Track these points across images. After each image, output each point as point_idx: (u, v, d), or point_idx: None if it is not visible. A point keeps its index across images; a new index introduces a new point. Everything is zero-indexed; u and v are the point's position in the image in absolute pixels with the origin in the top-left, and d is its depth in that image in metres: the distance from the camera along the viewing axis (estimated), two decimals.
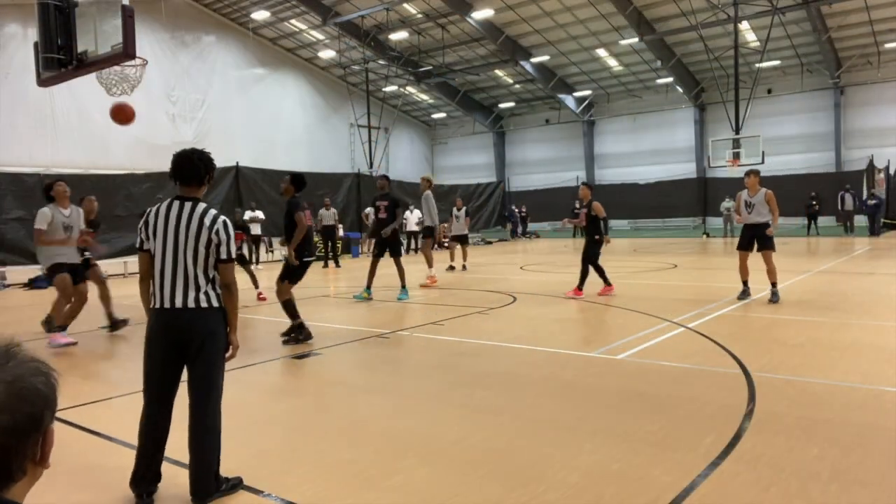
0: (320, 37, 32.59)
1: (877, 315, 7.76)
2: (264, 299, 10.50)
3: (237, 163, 21.33)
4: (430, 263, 12.85)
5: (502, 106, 39.96)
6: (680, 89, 33.83)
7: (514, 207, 33.12)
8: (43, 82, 6.78)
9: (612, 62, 33.63)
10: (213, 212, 3.28)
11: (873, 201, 24.48)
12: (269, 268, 16.63)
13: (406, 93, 38.21)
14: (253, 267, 16.46)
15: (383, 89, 35.40)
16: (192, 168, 3.31)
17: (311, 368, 6.18)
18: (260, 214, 18.16)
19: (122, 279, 15.04)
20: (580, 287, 9.95)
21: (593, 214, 9.93)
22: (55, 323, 7.43)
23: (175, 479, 3.27)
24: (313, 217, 19.30)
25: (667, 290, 10.57)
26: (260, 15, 29.12)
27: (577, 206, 29.90)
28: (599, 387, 5.09)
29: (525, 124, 41.02)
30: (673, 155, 35.17)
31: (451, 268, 15.38)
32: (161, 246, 3.23)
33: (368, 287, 10.43)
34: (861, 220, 25.26)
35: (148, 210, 3.36)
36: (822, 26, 27.12)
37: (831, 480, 3.18)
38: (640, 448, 3.68)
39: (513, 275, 14.16)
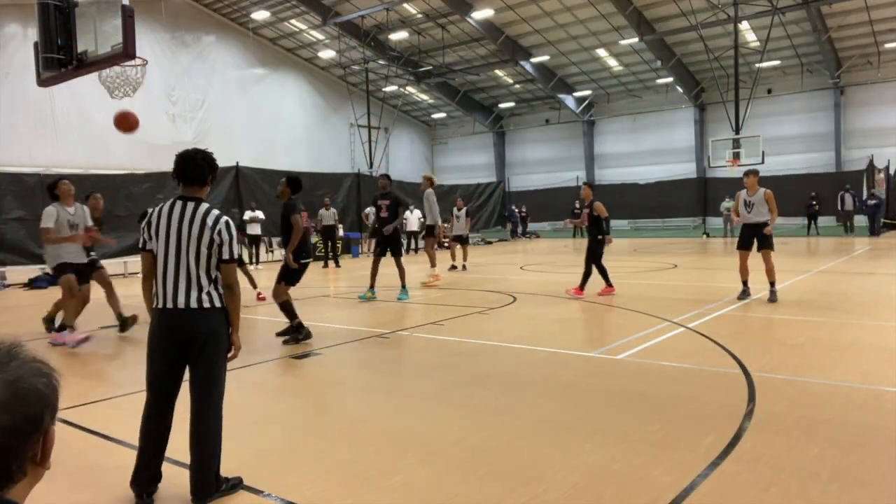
0: (320, 37, 32.60)
1: (877, 315, 7.76)
2: (263, 299, 10.49)
3: (237, 163, 21.33)
4: (433, 262, 12.86)
5: (502, 106, 39.96)
6: (680, 89, 33.83)
7: (514, 207, 33.12)
8: (43, 82, 6.79)
9: (612, 62, 33.64)
10: (215, 212, 3.28)
11: (873, 201, 24.48)
12: (269, 268, 16.63)
13: (406, 93, 38.21)
14: (253, 267, 16.49)
15: (383, 89, 35.41)
16: (195, 168, 3.31)
17: (311, 368, 6.18)
18: (260, 214, 18.16)
19: (122, 279, 15.04)
20: (582, 287, 9.96)
21: (595, 214, 9.93)
22: (64, 321, 7.38)
23: (175, 479, 3.27)
24: (314, 217, 19.41)
25: (667, 290, 10.57)
26: (260, 15, 29.12)
27: (577, 206, 30.06)
28: (599, 387, 5.09)
29: (525, 124, 41.03)
30: (673, 155, 35.18)
31: (454, 267, 15.39)
32: (164, 246, 3.23)
33: (372, 287, 10.44)
34: (861, 220, 25.25)
35: (151, 210, 3.37)
36: (822, 26, 27.13)
37: (831, 480, 3.18)
38: (640, 448, 3.68)
39: (513, 275, 14.16)
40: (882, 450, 3.58)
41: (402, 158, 39.88)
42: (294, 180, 7.42)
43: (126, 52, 5.91)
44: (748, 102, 26.37)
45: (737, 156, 25.05)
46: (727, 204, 25.17)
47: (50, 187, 7.31)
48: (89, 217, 7.52)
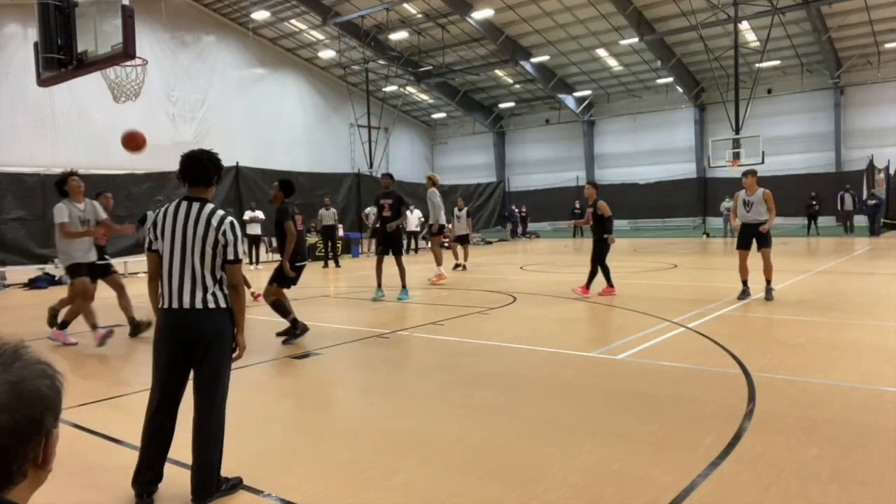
0: (320, 37, 32.60)
1: (877, 315, 7.76)
2: (259, 298, 10.48)
3: (237, 163, 21.33)
4: (438, 261, 12.88)
5: (502, 106, 39.96)
6: (680, 89, 33.83)
7: (514, 207, 33.11)
8: (43, 82, 6.78)
9: (612, 62, 33.64)
10: (220, 213, 3.28)
11: (873, 201, 24.48)
12: (269, 268, 16.62)
13: (406, 93, 38.22)
14: (252, 267, 16.49)
15: (383, 89, 35.41)
16: (200, 169, 3.32)
17: (311, 368, 6.18)
18: (260, 214, 18.16)
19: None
20: (588, 286, 9.96)
21: (599, 213, 9.93)
22: (65, 318, 7.33)
23: (175, 478, 3.27)
24: (313, 217, 19.40)
25: (667, 290, 10.57)
26: (260, 15, 29.13)
27: (577, 206, 30.07)
28: (599, 387, 5.09)
29: (525, 124, 41.03)
30: (673, 155, 35.18)
31: (457, 266, 15.40)
32: (169, 246, 3.24)
33: (379, 286, 10.45)
34: (861, 220, 25.25)
35: (157, 210, 3.38)
36: (822, 26, 27.13)
37: (831, 480, 3.18)
38: (640, 448, 3.68)
39: (513, 275, 14.16)
40: (882, 450, 3.58)
41: (402, 158, 39.87)
42: (286, 184, 7.41)
43: (126, 52, 5.91)
44: (748, 102, 26.37)
45: (737, 156, 25.05)
46: (727, 204, 25.15)
47: (58, 184, 7.16)
48: (101, 212, 7.40)
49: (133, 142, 7.25)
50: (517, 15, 29.26)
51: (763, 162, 24.60)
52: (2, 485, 0.98)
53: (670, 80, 33.06)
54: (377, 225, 10.65)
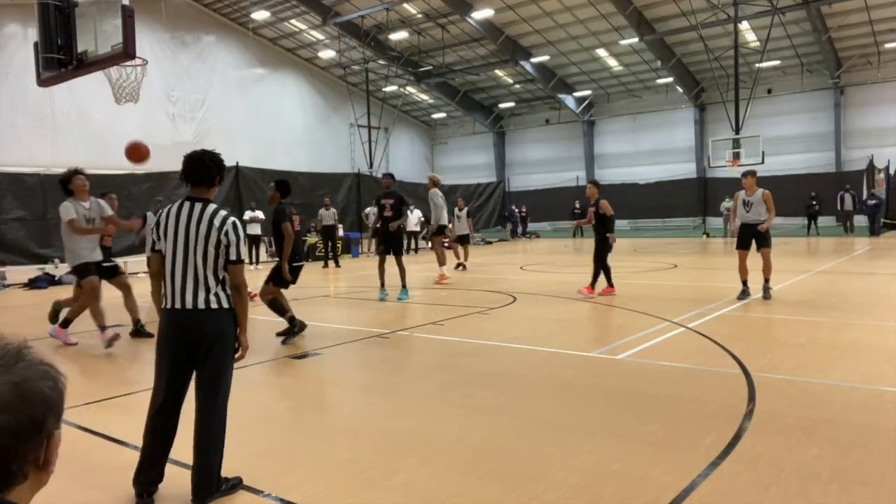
0: (320, 37, 32.59)
1: (877, 315, 7.76)
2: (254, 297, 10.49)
3: (237, 163, 21.33)
4: (440, 262, 12.89)
5: (502, 106, 39.96)
6: (680, 89, 33.83)
7: (514, 207, 33.11)
8: (43, 82, 6.78)
9: (612, 62, 33.64)
10: (222, 213, 3.29)
11: (873, 201, 24.48)
12: (269, 268, 16.63)
13: (406, 93, 38.21)
14: (252, 267, 16.49)
15: (383, 89, 35.41)
16: (203, 169, 3.32)
17: (311, 368, 6.18)
18: (260, 214, 18.16)
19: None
20: (592, 285, 9.96)
21: (602, 213, 9.93)
22: (68, 316, 7.29)
23: (175, 478, 3.27)
24: (313, 217, 19.40)
25: (667, 290, 10.57)
26: (260, 15, 29.11)
27: (577, 206, 30.07)
28: (599, 387, 5.09)
29: (525, 124, 41.02)
30: (673, 155, 35.17)
31: (458, 265, 15.40)
32: (172, 246, 3.25)
33: (383, 286, 10.46)
34: (861, 220, 25.25)
35: (158, 211, 3.39)
36: (822, 26, 27.13)
37: (831, 480, 3.18)
38: (640, 448, 3.68)
39: (513, 275, 14.16)
40: (882, 450, 3.58)
41: (402, 158, 39.86)
42: (283, 184, 7.40)
43: (126, 52, 5.91)
44: (748, 102, 26.37)
45: (737, 156, 25.05)
46: (727, 204, 25.15)
47: (63, 182, 7.08)
48: (108, 208, 7.34)
49: (136, 153, 7.21)
50: (517, 15, 29.25)
51: (763, 162, 24.59)
52: (2, 485, 0.98)
53: (670, 80, 33.06)
54: (378, 225, 10.65)
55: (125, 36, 5.81)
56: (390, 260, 10.44)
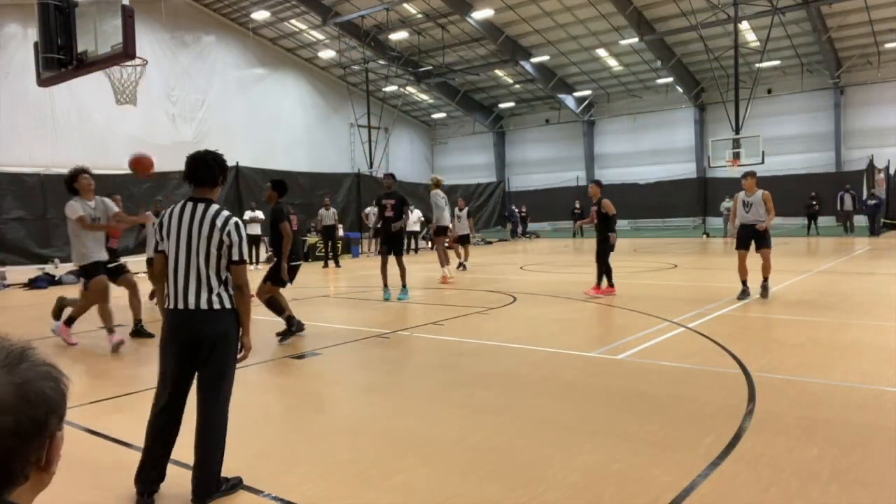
0: (320, 37, 32.59)
1: (877, 315, 7.76)
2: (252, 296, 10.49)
3: (237, 163, 21.34)
4: (442, 263, 12.90)
5: (502, 106, 39.95)
6: (680, 89, 33.83)
7: (514, 207, 33.12)
8: (43, 82, 6.78)
9: (612, 62, 33.64)
10: (225, 213, 3.29)
11: (873, 201, 24.48)
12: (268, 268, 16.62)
13: (406, 93, 38.21)
14: (252, 267, 16.48)
15: (383, 89, 35.40)
16: (206, 170, 3.33)
17: (311, 368, 6.18)
18: (260, 214, 18.18)
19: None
20: (599, 284, 9.96)
21: (604, 212, 9.94)
22: (72, 314, 7.26)
23: (176, 478, 3.27)
24: (313, 217, 19.40)
25: (667, 290, 10.57)
26: (260, 15, 29.11)
27: (577, 206, 30.08)
28: (599, 387, 5.09)
29: (525, 124, 41.02)
30: (673, 155, 35.17)
31: (459, 265, 15.40)
32: (174, 247, 3.25)
33: (386, 286, 10.47)
34: (861, 220, 25.25)
35: (163, 211, 3.39)
36: (822, 26, 27.12)
37: (831, 480, 3.18)
38: (640, 448, 3.68)
39: (513, 275, 14.16)
40: (882, 450, 3.58)
41: (402, 158, 39.85)
42: (279, 183, 7.40)
43: (126, 52, 5.91)
44: (748, 102, 26.37)
45: (737, 156, 25.04)
46: (727, 204, 25.15)
47: (68, 181, 7.04)
48: (113, 206, 7.31)
49: (140, 165, 7.20)
50: (517, 15, 29.25)
51: (763, 162, 24.58)
52: (3, 486, 0.98)
53: (670, 80, 33.05)
54: (379, 225, 10.66)
55: (125, 36, 5.81)
56: (392, 260, 10.46)
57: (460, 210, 16.72)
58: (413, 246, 23.35)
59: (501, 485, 3.24)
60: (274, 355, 6.55)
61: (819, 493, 3.06)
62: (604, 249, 9.95)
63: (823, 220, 26.54)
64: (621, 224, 32.73)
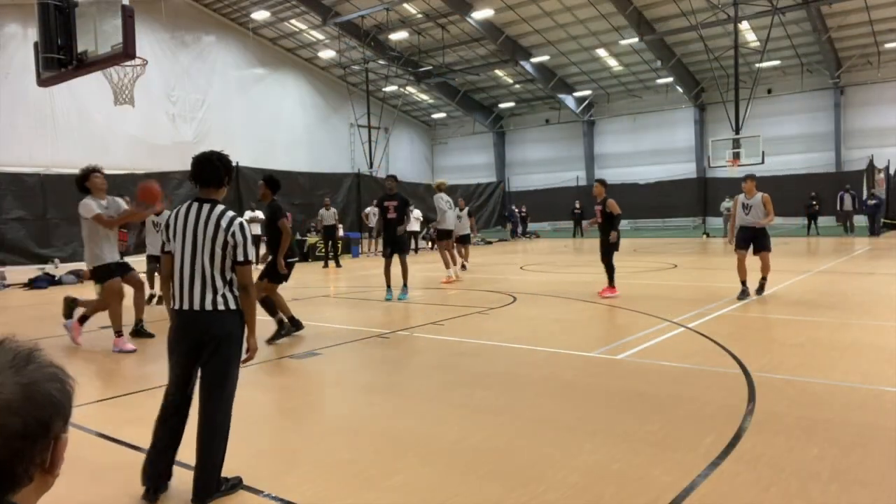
0: (320, 37, 32.59)
1: (877, 315, 7.76)
2: None
3: (237, 163, 21.31)
4: (446, 264, 12.91)
5: (502, 106, 39.96)
6: (680, 89, 33.83)
7: (514, 207, 33.11)
8: (43, 82, 6.78)
9: (612, 62, 33.64)
10: (230, 214, 3.30)
11: (873, 201, 24.48)
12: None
13: (406, 93, 38.21)
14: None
15: (383, 89, 35.41)
16: (212, 170, 3.34)
17: (311, 368, 6.18)
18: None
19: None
20: (611, 284, 9.95)
21: (608, 212, 9.95)
22: (86, 312, 7.24)
23: (176, 478, 3.27)
24: (314, 217, 19.39)
25: (667, 290, 10.57)
26: (260, 15, 29.12)
27: (577, 206, 30.07)
28: (599, 387, 5.09)
29: (525, 124, 41.02)
30: (673, 155, 35.17)
31: (463, 266, 15.40)
32: (180, 247, 3.27)
33: (389, 287, 10.48)
34: (861, 220, 25.25)
35: (169, 212, 3.40)
36: (822, 26, 27.12)
37: (831, 480, 3.18)
38: (640, 448, 3.68)
39: (513, 275, 14.16)
40: (882, 450, 3.58)
41: (402, 158, 39.87)
42: (273, 181, 7.36)
43: (126, 52, 5.91)
44: (748, 102, 26.37)
45: (737, 156, 25.05)
46: (727, 204, 25.15)
47: (80, 180, 6.98)
48: (124, 204, 7.28)
49: (148, 192, 7.21)
50: (517, 15, 29.25)
51: (763, 162, 24.59)
52: (6, 487, 0.98)
53: (670, 80, 33.06)
54: (381, 228, 10.68)
55: (125, 36, 5.81)
56: (395, 260, 10.49)
57: (461, 210, 16.72)
58: (413, 246, 23.35)
59: (501, 485, 3.24)
60: (274, 355, 6.55)
61: (819, 493, 3.06)
62: (608, 249, 9.95)
63: (823, 220, 26.54)
64: (622, 224, 32.88)
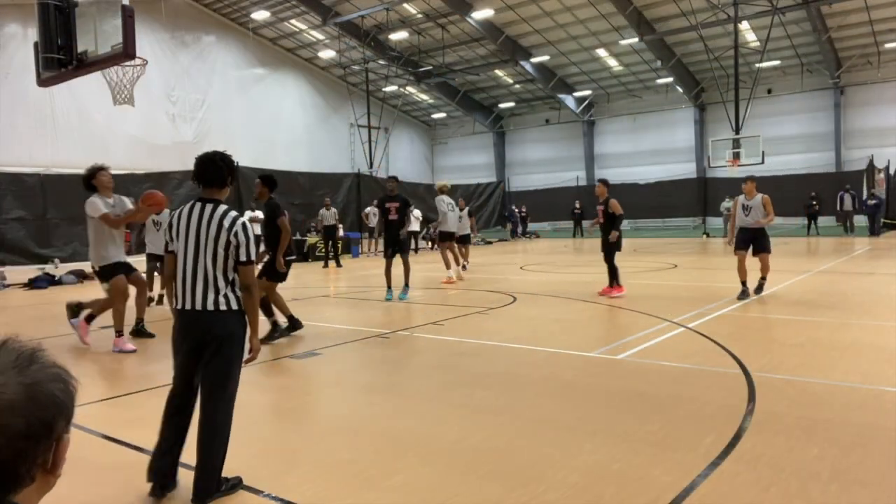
0: (320, 37, 32.59)
1: (877, 315, 7.76)
2: None
3: (237, 163, 21.29)
4: (446, 264, 12.91)
5: (502, 106, 39.96)
6: (680, 89, 33.83)
7: (514, 207, 33.11)
8: (43, 82, 6.77)
9: (612, 62, 33.64)
10: (232, 214, 3.30)
11: (873, 201, 24.48)
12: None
13: (406, 93, 38.21)
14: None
15: (383, 89, 35.40)
16: (215, 170, 3.34)
17: (311, 368, 6.18)
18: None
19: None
20: (618, 283, 9.94)
21: (611, 212, 9.95)
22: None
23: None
24: (314, 217, 19.39)
25: (667, 290, 10.57)
26: (260, 15, 29.12)
27: (577, 206, 30.06)
28: (599, 387, 5.09)
29: (525, 124, 41.02)
30: (673, 155, 35.17)
31: (464, 266, 15.40)
32: (183, 247, 3.27)
33: (389, 287, 10.48)
34: (861, 220, 25.25)
35: (173, 212, 3.41)
36: (822, 26, 27.12)
37: (831, 480, 3.18)
38: (640, 448, 3.68)
39: (513, 275, 14.16)
40: (882, 450, 3.58)
41: (402, 158, 39.88)
42: (269, 179, 7.36)
43: (126, 52, 5.91)
44: (748, 102, 26.36)
45: (737, 156, 25.05)
46: (727, 204, 25.17)
47: (87, 179, 6.96)
48: (129, 203, 7.28)
49: (153, 200, 7.22)
50: (517, 15, 29.25)
51: (763, 162, 24.59)
52: (8, 487, 0.98)
53: (670, 80, 33.06)
54: (382, 228, 10.68)
55: (125, 36, 5.81)
56: (396, 261, 10.49)
57: (461, 210, 16.73)
58: (413, 246, 23.35)
59: (501, 485, 3.24)
60: (274, 355, 6.55)
61: (819, 493, 3.06)
62: (610, 248, 9.95)
63: (823, 220, 26.54)
64: (622, 224, 32.87)
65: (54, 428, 1.00)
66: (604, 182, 10.28)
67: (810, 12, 25.72)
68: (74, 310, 7.52)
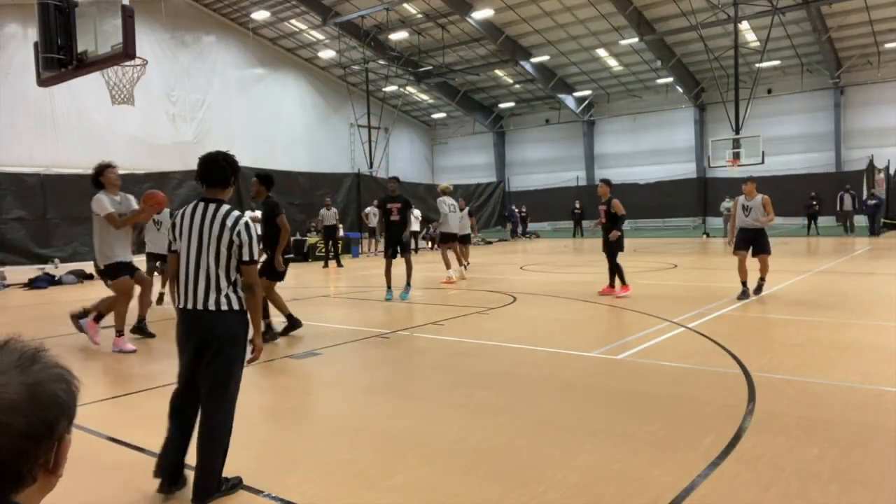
0: (320, 37, 32.59)
1: (877, 315, 7.76)
2: None
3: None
4: (447, 264, 12.92)
5: (502, 106, 39.96)
6: (680, 89, 33.83)
7: (514, 207, 33.12)
8: (43, 82, 6.77)
9: (612, 62, 33.64)
10: (235, 213, 3.31)
11: (873, 201, 24.48)
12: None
13: (406, 93, 38.21)
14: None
15: (383, 89, 35.40)
16: (218, 170, 3.36)
17: (311, 368, 6.18)
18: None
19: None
20: (623, 283, 9.94)
21: (613, 212, 9.96)
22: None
23: None
24: (314, 217, 19.39)
25: (667, 290, 10.58)
26: (260, 15, 29.12)
27: (577, 206, 30.07)
28: (599, 387, 5.09)
29: (525, 124, 41.02)
30: (673, 155, 35.17)
31: (465, 266, 15.40)
32: (186, 247, 3.28)
33: (389, 287, 10.49)
34: (861, 220, 25.25)
35: (176, 212, 3.42)
36: (822, 26, 27.12)
37: (831, 480, 3.18)
38: (640, 448, 3.68)
39: (513, 275, 14.16)
40: (882, 450, 3.58)
41: (402, 158, 39.88)
42: (266, 177, 7.33)
43: (126, 52, 5.91)
44: (748, 102, 26.37)
45: (737, 156, 25.05)
46: (727, 204, 25.17)
47: (94, 176, 6.96)
48: (135, 203, 7.27)
49: (154, 201, 7.22)
50: (517, 15, 29.25)
51: (763, 162, 24.59)
52: (10, 487, 0.98)
53: (670, 80, 33.05)
54: (384, 229, 10.68)
55: (125, 36, 5.81)
56: (396, 262, 10.49)
57: (461, 210, 16.73)
58: (413, 246, 23.36)
59: (501, 485, 3.25)
60: (273, 356, 6.55)
61: (819, 493, 3.06)
62: (612, 248, 9.95)
63: (823, 220, 26.55)
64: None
65: (56, 428, 1.00)
66: (606, 182, 10.29)
67: (810, 12, 25.72)
68: (81, 315, 7.50)
